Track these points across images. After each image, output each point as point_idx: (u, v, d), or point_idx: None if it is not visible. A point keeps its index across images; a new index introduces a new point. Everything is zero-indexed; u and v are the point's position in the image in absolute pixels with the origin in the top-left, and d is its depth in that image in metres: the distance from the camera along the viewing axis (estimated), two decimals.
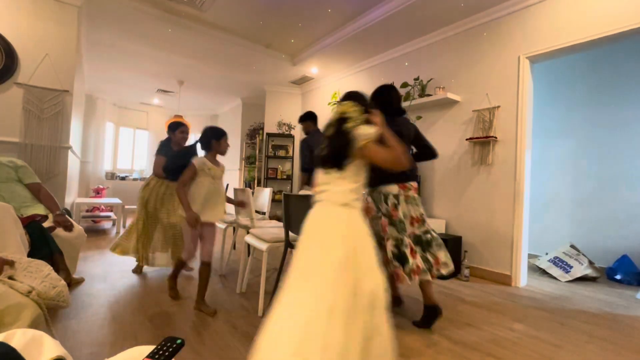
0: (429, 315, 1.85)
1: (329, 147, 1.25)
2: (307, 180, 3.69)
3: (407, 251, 1.83)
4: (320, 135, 3.65)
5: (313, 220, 1.22)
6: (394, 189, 1.91)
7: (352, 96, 1.36)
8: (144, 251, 2.71)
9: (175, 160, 2.73)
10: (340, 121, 1.26)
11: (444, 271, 1.86)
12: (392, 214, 1.89)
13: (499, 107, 3.00)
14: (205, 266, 2.06)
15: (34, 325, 1.06)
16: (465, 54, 3.32)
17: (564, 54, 2.76)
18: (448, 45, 3.49)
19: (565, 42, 2.61)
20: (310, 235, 1.19)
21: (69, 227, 2.24)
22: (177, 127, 2.82)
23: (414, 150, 2.19)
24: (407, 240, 1.86)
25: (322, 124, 5.51)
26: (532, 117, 2.97)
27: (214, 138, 2.10)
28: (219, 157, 2.21)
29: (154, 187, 2.76)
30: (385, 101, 1.99)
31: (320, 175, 1.28)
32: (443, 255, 1.89)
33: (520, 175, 2.84)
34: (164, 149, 2.82)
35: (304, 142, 3.56)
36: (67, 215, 2.34)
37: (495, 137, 2.99)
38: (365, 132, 1.21)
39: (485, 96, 3.12)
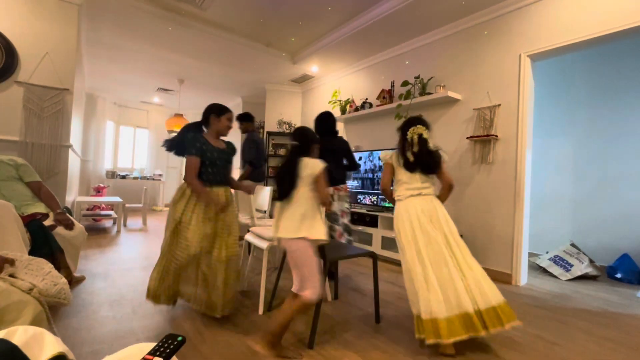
0: (330, 270, 2.33)
1: (427, 158, 1.82)
2: (251, 174, 3.81)
3: (336, 235, 2.70)
4: (258, 134, 3.78)
5: (432, 206, 1.80)
6: (329, 189, 2.51)
7: (423, 122, 1.86)
8: (174, 289, 1.93)
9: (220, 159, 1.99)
10: (426, 141, 1.84)
11: (343, 241, 2.69)
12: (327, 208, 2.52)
13: (499, 105, 3.00)
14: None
15: (35, 322, 1.06)
16: (466, 53, 3.31)
17: (565, 52, 2.75)
18: (449, 43, 3.48)
19: (567, 40, 2.61)
20: (436, 215, 1.78)
21: (69, 226, 2.25)
22: (223, 112, 1.99)
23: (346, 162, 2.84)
24: (337, 228, 2.70)
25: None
26: (533, 116, 2.97)
27: (314, 142, 1.69)
28: None
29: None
30: (329, 124, 2.84)
31: (415, 176, 1.84)
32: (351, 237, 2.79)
33: (520, 174, 2.83)
34: (197, 143, 1.89)
35: (250, 140, 3.76)
36: (67, 214, 2.35)
37: (496, 136, 2.98)
38: (445, 157, 1.89)
39: (486, 94, 3.11)
